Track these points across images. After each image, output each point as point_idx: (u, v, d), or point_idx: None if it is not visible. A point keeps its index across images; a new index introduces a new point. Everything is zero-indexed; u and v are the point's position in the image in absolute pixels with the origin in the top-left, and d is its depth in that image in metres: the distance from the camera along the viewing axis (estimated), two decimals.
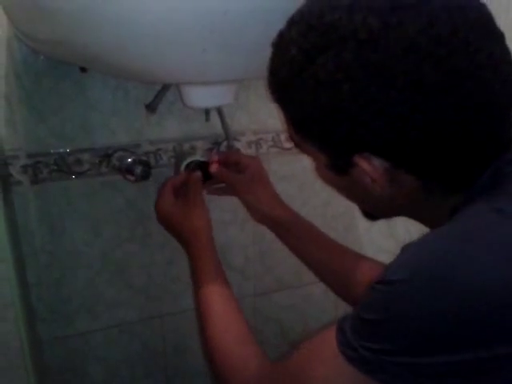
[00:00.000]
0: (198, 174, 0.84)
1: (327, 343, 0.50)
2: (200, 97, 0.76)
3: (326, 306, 1.19)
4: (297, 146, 0.58)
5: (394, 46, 0.44)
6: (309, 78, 0.48)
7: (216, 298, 0.72)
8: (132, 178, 0.90)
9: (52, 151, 0.88)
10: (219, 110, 0.91)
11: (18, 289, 0.79)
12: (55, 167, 0.89)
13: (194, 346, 1.10)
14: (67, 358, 1.01)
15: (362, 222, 1.15)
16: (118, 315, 1.02)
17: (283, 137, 1.03)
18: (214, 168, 0.84)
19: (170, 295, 1.05)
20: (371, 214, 0.64)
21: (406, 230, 1.11)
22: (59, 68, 0.84)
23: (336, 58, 0.46)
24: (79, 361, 1.02)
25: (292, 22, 0.50)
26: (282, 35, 0.51)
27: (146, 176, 0.90)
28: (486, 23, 0.47)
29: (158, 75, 0.68)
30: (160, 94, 0.88)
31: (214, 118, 0.93)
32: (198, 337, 1.10)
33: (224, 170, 0.85)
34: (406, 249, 0.48)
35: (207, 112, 0.91)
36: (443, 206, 0.52)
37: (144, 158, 0.92)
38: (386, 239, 1.18)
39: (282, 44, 0.51)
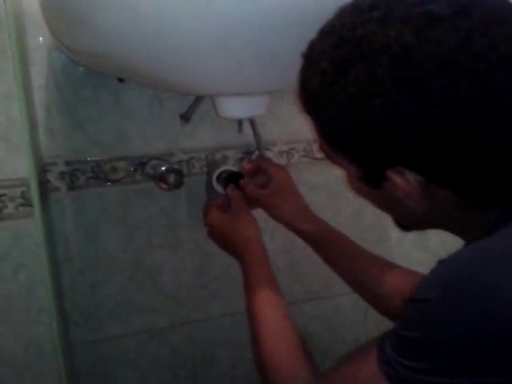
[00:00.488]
0: (233, 188, 0.85)
1: (368, 360, 0.50)
2: (234, 108, 0.77)
3: (355, 317, 1.18)
4: (328, 157, 0.57)
5: (429, 61, 0.43)
6: (340, 91, 0.47)
7: (268, 309, 0.71)
8: (165, 186, 0.92)
9: (89, 159, 0.90)
10: (251, 121, 0.92)
11: (52, 293, 0.81)
12: (92, 174, 0.91)
13: (222, 354, 1.11)
14: (98, 362, 1.02)
15: (395, 234, 1.14)
16: (148, 321, 1.03)
17: (315, 147, 1.03)
18: (242, 182, 0.86)
19: (200, 302, 1.06)
20: (404, 225, 0.63)
21: (439, 241, 1.10)
22: (97, 78, 0.86)
23: (368, 72, 0.45)
24: (110, 365, 1.03)
25: (323, 34, 0.49)
26: (312, 47, 0.51)
27: (178, 184, 0.91)
28: None
29: (194, 87, 0.70)
30: (194, 105, 0.89)
31: (247, 127, 0.94)
32: (226, 345, 1.10)
33: (250, 185, 0.86)
34: (440, 264, 0.47)
35: (240, 122, 0.92)
36: (480, 221, 0.51)
37: (177, 167, 0.93)
38: (418, 251, 1.17)
39: (312, 56, 0.50)
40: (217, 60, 0.61)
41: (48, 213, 0.89)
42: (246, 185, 0.85)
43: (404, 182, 0.49)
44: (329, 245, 0.85)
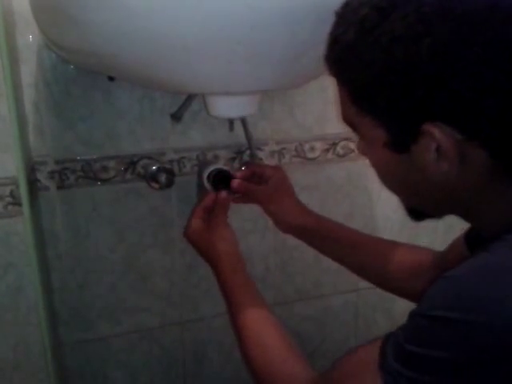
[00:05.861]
0: (224, 194, 0.83)
1: (368, 365, 0.48)
2: (224, 107, 0.77)
3: (345, 317, 1.18)
4: (351, 125, 0.54)
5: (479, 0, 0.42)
6: (383, 34, 0.45)
7: (251, 316, 0.70)
8: (156, 185, 0.91)
9: (79, 158, 0.90)
10: (243, 120, 0.92)
11: (42, 292, 0.81)
12: (82, 173, 0.90)
13: (213, 354, 1.10)
14: (88, 362, 1.02)
15: (385, 235, 1.14)
16: (138, 321, 1.03)
17: (306, 147, 1.03)
18: (235, 183, 0.84)
19: (191, 302, 1.06)
20: (417, 213, 0.58)
21: (430, 244, 1.10)
22: (88, 77, 0.86)
23: (416, 12, 0.43)
24: (100, 365, 1.03)
25: None
26: (347, 3, 0.49)
27: (169, 184, 0.91)
28: None
29: (184, 85, 0.69)
30: (185, 104, 0.89)
31: (238, 127, 0.94)
32: (217, 345, 1.10)
33: (246, 184, 0.84)
34: (444, 279, 0.45)
35: (231, 122, 0.91)
36: (505, 199, 0.49)
37: (168, 166, 0.93)
38: None
39: (348, 9, 0.49)
40: (207, 58, 0.61)
41: (37, 212, 0.88)
42: (241, 186, 0.84)
43: (443, 135, 0.46)
44: (327, 236, 0.84)
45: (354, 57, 0.48)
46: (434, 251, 0.78)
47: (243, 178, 0.85)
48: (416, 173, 0.50)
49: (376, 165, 0.55)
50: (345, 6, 0.50)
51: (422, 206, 0.57)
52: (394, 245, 0.82)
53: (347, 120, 0.54)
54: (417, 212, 0.58)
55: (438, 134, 0.46)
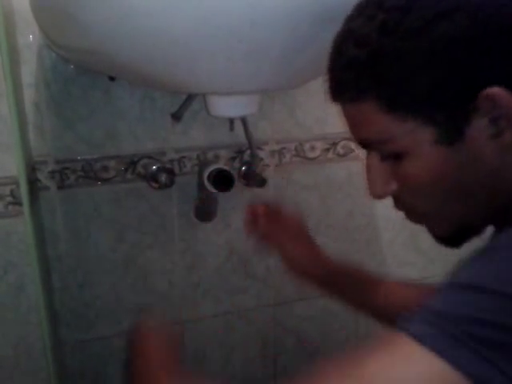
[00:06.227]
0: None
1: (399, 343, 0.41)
2: (225, 107, 0.77)
3: (346, 318, 1.18)
4: (382, 142, 0.50)
5: None
6: (413, 21, 0.44)
7: None
8: (156, 185, 0.92)
9: (79, 158, 0.90)
10: (243, 120, 0.92)
11: (42, 292, 0.81)
12: (82, 173, 0.90)
13: (213, 353, 1.10)
14: (88, 362, 1.02)
15: (385, 234, 1.14)
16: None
17: (307, 146, 1.03)
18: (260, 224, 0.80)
19: (191, 302, 1.06)
20: (456, 236, 0.55)
21: (431, 242, 1.10)
22: (88, 76, 0.86)
23: None
24: (100, 364, 1.03)
25: (358, 9, 0.48)
26: (348, 27, 0.48)
27: (169, 183, 0.91)
28: None
29: (185, 85, 0.69)
30: (186, 104, 0.89)
31: (238, 126, 0.94)
32: (217, 345, 1.10)
33: (264, 223, 0.80)
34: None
35: (231, 121, 0.92)
36: None
37: (168, 166, 0.93)
38: (409, 252, 1.17)
39: (355, 27, 0.48)
40: (207, 57, 0.61)
41: (38, 212, 0.88)
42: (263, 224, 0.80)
43: (507, 94, 0.43)
44: (339, 284, 0.79)
45: (384, 58, 0.46)
46: None
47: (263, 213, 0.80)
48: (471, 163, 0.47)
49: (426, 172, 0.49)
50: (347, 30, 0.48)
51: (469, 215, 0.52)
52: (405, 285, 0.77)
53: (378, 137, 0.50)
54: (456, 235, 0.55)
55: (503, 94, 0.43)
